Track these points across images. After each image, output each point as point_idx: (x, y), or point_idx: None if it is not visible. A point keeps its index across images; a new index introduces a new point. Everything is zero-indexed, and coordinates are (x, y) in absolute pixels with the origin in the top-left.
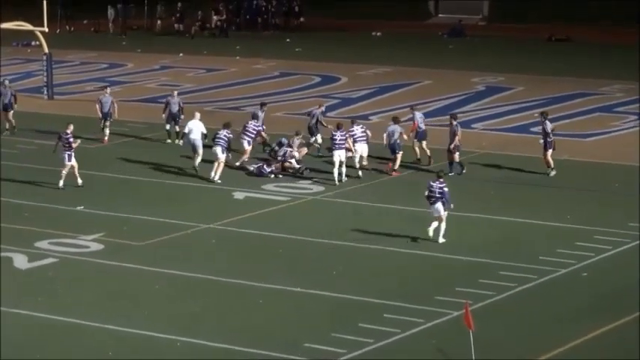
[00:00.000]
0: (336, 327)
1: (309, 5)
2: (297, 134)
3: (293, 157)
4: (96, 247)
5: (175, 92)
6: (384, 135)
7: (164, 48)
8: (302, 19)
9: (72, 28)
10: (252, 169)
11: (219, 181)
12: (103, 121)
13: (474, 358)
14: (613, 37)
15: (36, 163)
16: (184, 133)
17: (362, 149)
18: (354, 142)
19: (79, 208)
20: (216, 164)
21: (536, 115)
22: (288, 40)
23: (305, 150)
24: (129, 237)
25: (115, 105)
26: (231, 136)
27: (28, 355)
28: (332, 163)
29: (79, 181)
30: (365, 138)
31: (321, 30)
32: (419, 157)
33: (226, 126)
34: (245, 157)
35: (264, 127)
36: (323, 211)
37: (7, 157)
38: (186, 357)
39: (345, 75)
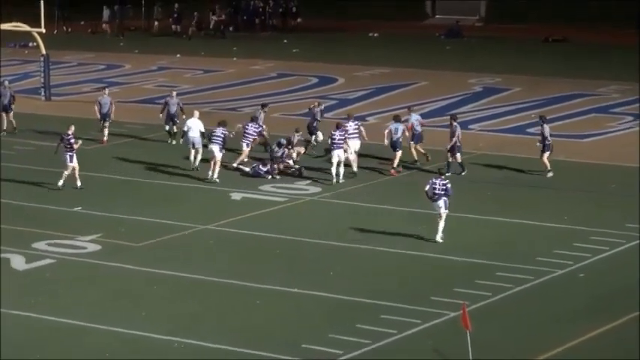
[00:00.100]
0: (333, 328)
1: (307, 6)
2: (296, 131)
3: (291, 157)
4: (93, 248)
5: (174, 93)
6: (386, 132)
7: (161, 49)
8: (299, 20)
9: (69, 29)
10: (247, 169)
11: (217, 180)
12: (102, 122)
13: (471, 358)
14: (610, 38)
15: (33, 164)
16: (184, 132)
17: (354, 145)
18: (347, 138)
19: (76, 209)
20: (212, 163)
21: (534, 116)
22: (285, 41)
23: (302, 150)
24: (126, 238)
25: (113, 106)
26: (227, 133)
27: (26, 355)
28: (331, 162)
29: (79, 183)
30: (357, 134)
31: (319, 31)
32: (416, 158)
33: (222, 124)
34: (243, 158)
35: (265, 127)
36: (320, 211)
37: (5, 158)
38: (184, 357)
39: (342, 76)
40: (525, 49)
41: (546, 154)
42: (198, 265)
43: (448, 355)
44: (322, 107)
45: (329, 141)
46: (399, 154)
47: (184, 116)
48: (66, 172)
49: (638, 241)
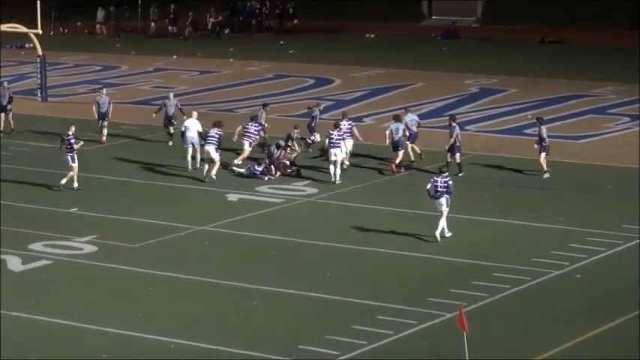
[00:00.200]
0: (330, 328)
1: (303, 8)
2: (295, 127)
3: (287, 157)
4: (90, 249)
5: (171, 95)
6: (387, 133)
7: (158, 50)
8: (296, 22)
9: (66, 30)
10: (243, 170)
11: (214, 177)
12: (100, 122)
13: (467, 359)
14: (606, 39)
15: (30, 165)
16: (182, 132)
17: (347, 144)
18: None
19: (72, 210)
20: (208, 162)
21: (530, 117)
22: (281, 42)
23: (297, 151)
24: (123, 239)
25: (111, 106)
26: (221, 134)
27: (24, 356)
28: (330, 162)
29: (75, 184)
30: (350, 133)
31: (315, 32)
32: (412, 159)
33: (217, 125)
34: (244, 156)
35: (267, 126)
36: (317, 212)
37: (2, 159)
38: (181, 358)
39: (339, 77)
40: (522, 50)
41: (543, 155)
42: (195, 266)
43: (445, 356)
44: (321, 107)
45: (326, 141)
46: (400, 153)
47: (185, 117)
48: (71, 173)
49: (634, 242)
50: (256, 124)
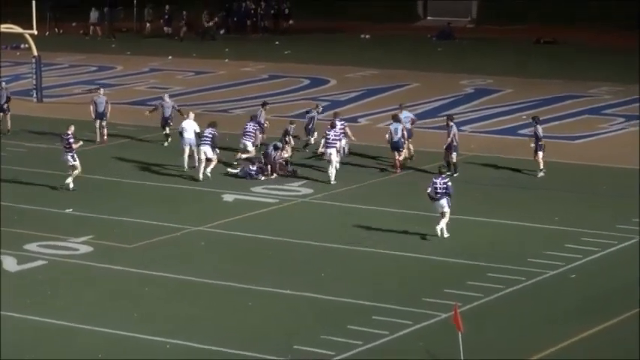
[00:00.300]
0: (325, 329)
1: (299, 8)
2: (290, 122)
3: (282, 157)
4: (85, 249)
5: (166, 96)
6: (387, 135)
7: (153, 50)
8: (291, 22)
9: (61, 31)
10: (237, 171)
11: (209, 175)
12: (99, 122)
13: (462, 359)
14: (601, 40)
15: (25, 165)
16: (180, 133)
17: (340, 144)
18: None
19: (68, 210)
20: (204, 162)
21: (525, 117)
22: (277, 42)
23: (292, 146)
24: (118, 239)
25: (109, 105)
26: (215, 133)
27: (20, 356)
28: (329, 162)
29: (71, 185)
30: (344, 133)
31: (310, 33)
32: (407, 156)
33: (212, 125)
34: (250, 155)
35: (267, 125)
36: (312, 213)
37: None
38: (177, 358)
39: (334, 77)
40: (517, 51)
41: (540, 154)
42: (191, 266)
43: (440, 356)
44: (320, 109)
45: (322, 141)
46: (402, 153)
47: (185, 116)
48: (76, 172)
49: (628, 242)
50: (254, 123)
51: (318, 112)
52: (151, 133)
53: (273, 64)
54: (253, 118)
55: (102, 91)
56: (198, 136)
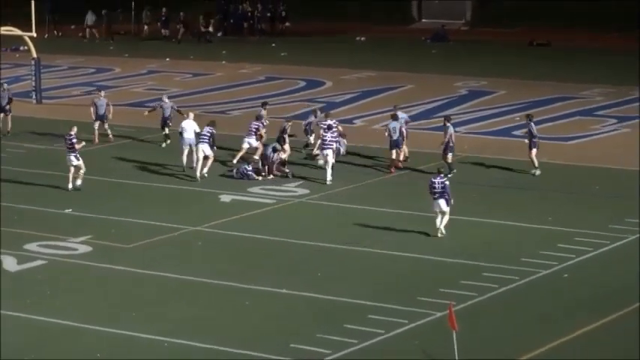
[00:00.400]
0: (321, 328)
1: (295, 11)
2: (287, 120)
3: (281, 158)
4: (84, 249)
5: (165, 96)
6: (386, 134)
7: (151, 53)
8: (287, 24)
9: (60, 33)
10: (233, 172)
11: (205, 174)
12: (98, 124)
13: (457, 357)
14: (593, 42)
15: (25, 166)
16: (180, 133)
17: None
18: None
19: (67, 210)
20: (202, 160)
21: (518, 118)
22: (273, 44)
23: (288, 150)
24: (117, 239)
25: (110, 107)
26: (214, 132)
27: (19, 356)
28: (326, 162)
29: (70, 185)
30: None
31: (307, 35)
32: (402, 159)
33: (211, 124)
34: (259, 153)
35: (267, 122)
36: (308, 213)
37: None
38: (174, 358)
39: (330, 79)
40: (510, 53)
41: (534, 151)
42: (188, 266)
43: (434, 355)
44: (318, 113)
45: (319, 142)
46: (402, 151)
47: (185, 116)
48: (81, 172)
49: (621, 242)
50: (256, 123)
51: (315, 115)
52: (150, 134)
53: (269, 66)
54: (259, 118)
55: (103, 93)
56: (198, 135)
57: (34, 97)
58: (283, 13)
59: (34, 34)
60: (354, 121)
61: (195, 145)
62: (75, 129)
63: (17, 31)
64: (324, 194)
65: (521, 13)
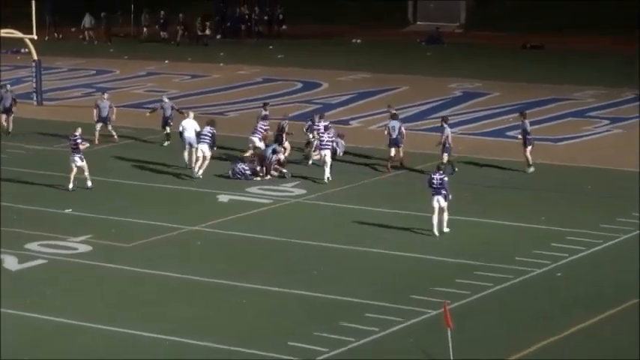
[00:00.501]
0: (318, 326)
1: (292, 13)
2: (284, 116)
3: (279, 158)
4: (84, 248)
5: (165, 97)
6: (385, 132)
7: (150, 55)
8: (284, 27)
9: (60, 36)
10: (229, 173)
11: (200, 176)
12: (100, 125)
13: (451, 355)
14: (585, 44)
15: (25, 166)
16: (180, 133)
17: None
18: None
19: (67, 210)
20: (200, 161)
21: (511, 120)
22: (270, 47)
23: (288, 151)
24: (116, 239)
25: (113, 109)
26: (214, 132)
27: (19, 355)
28: (324, 162)
29: (71, 185)
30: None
31: (303, 37)
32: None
33: (210, 123)
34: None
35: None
36: (305, 213)
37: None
38: (172, 356)
39: (326, 81)
40: (504, 55)
41: (529, 149)
42: (187, 265)
43: (430, 352)
44: (317, 119)
45: (317, 142)
46: (401, 150)
47: (185, 115)
48: (86, 173)
49: (612, 242)
50: (263, 123)
51: (312, 120)
52: (149, 135)
53: (267, 67)
54: (265, 118)
55: (106, 95)
56: (198, 135)
57: (34, 98)
58: (280, 16)
59: (35, 37)
60: (350, 122)
61: (196, 144)
62: (79, 130)
63: (18, 34)
64: (321, 194)
65: (522, 14)
